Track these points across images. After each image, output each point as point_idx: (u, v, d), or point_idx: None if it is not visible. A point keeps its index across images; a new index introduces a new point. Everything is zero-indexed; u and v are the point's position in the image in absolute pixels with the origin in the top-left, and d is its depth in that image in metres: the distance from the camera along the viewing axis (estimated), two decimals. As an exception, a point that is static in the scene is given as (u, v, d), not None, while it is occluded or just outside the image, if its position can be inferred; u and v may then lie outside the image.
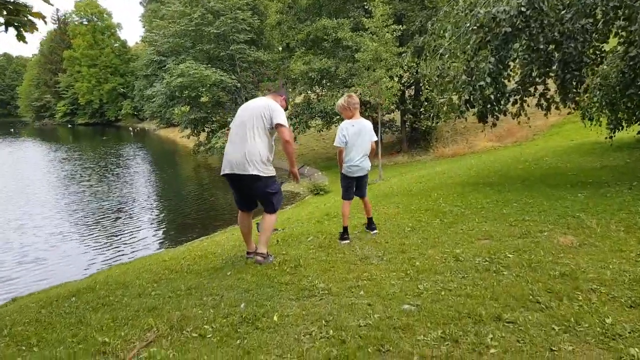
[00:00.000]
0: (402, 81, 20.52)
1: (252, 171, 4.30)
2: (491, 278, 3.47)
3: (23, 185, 21.83)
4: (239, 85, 24.99)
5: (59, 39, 68.77)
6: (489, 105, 7.13)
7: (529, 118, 8.33)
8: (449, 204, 6.37)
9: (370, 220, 5.36)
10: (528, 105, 8.14)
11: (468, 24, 7.27)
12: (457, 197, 6.84)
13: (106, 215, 15.82)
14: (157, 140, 45.05)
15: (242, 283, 3.91)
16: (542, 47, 6.52)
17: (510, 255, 3.96)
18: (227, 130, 4.67)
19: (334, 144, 5.17)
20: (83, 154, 34.39)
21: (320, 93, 21.39)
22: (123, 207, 16.97)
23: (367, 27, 16.84)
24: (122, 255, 11.78)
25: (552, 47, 6.89)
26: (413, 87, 22.07)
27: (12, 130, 61.17)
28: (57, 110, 67.88)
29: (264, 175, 4.37)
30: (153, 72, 30.99)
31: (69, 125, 66.08)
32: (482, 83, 6.60)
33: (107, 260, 11.46)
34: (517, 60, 7.56)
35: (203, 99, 24.29)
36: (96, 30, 62.09)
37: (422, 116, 21.35)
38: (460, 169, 11.32)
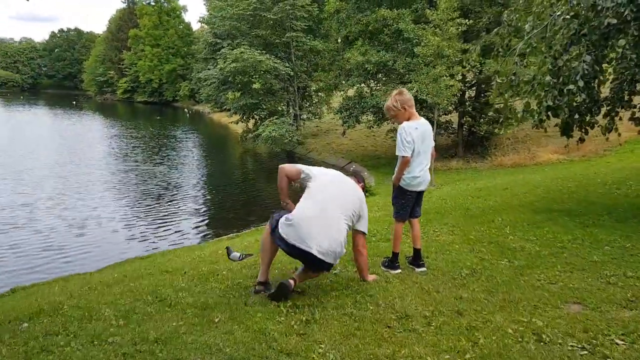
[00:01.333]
0: (464, 80, 18.92)
1: (329, 260, 3.54)
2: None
3: (67, 160, 21.91)
4: (292, 73, 24.07)
5: (126, 18, 70.66)
6: (576, 115, 5.71)
7: (620, 134, 6.80)
8: (518, 237, 5.06)
9: (417, 252, 4.17)
10: (620, 119, 6.62)
11: (559, 13, 5.86)
12: (528, 227, 5.50)
13: (147, 199, 15.39)
14: (209, 123, 45.10)
15: (227, 343, 2.85)
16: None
17: (619, 342, 2.70)
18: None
19: (398, 153, 4.02)
20: (136, 132, 34.66)
21: (374, 87, 20.08)
22: (165, 192, 16.50)
23: (430, 19, 15.39)
24: (155, 242, 11.16)
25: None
26: (474, 87, 20.36)
27: (75, 102, 63.38)
28: (119, 87, 69.73)
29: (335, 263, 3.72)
30: (210, 56, 30.61)
31: (129, 102, 67.88)
32: (572, 87, 5.19)
33: (141, 246, 10.92)
34: (614, 62, 6.06)
35: (255, 86, 23.59)
36: (162, 11, 63.10)
37: (482, 120, 19.70)
38: (524, 186, 9.81)
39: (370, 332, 2.95)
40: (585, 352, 2.62)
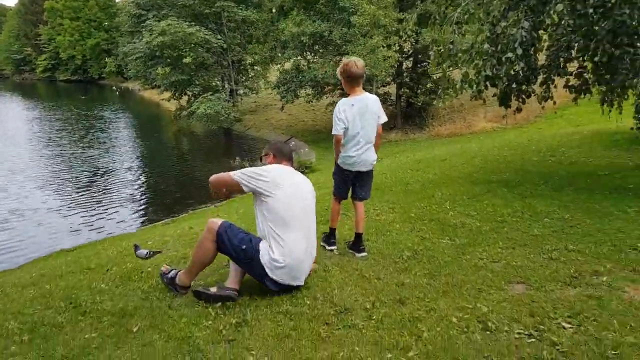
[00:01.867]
0: (402, 51, 18.86)
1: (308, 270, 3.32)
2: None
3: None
4: (225, 46, 23.03)
5: (40, -12, 65.08)
6: (514, 85, 5.62)
7: (555, 103, 6.85)
8: (458, 212, 4.95)
9: (359, 237, 3.90)
10: (555, 87, 6.65)
11: (495, -22, 5.70)
12: (468, 200, 5.41)
13: (75, 186, 14.32)
14: (140, 101, 42.86)
15: (145, 357, 2.48)
16: (590, 11, 4.97)
17: (565, 326, 2.57)
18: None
19: (332, 132, 3.82)
20: (60, 113, 32.31)
21: (311, 60, 19.62)
22: (94, 178, 15.42)
23: (365, -13, 15.09)
24: (85, 233, 10.36)
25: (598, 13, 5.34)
26: (412, 58, 20.39)
27: (-10, 84, 58.44)
28: (38, 65, 64.59)
29: None
30: (135, 29, 28.73)
31: (51, 81, 63.27)
32: (510, 55, 5.07)
33: (69, 238, 10.06)
34: (550, 29, 6.01)
35: (186, 60, 22.39)
36: (80, -20, 58.58)
37: (419, 91, 19.83)
38: (462, 156, 9.88)
39: (307, 331, 2.67)
40: (533, 339, 2.47)
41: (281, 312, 2.91)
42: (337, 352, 2.44)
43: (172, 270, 3.38)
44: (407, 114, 21.13)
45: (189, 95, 24.87)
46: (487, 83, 5.56)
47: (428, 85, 19.17)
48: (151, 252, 4.12)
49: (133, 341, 2.68)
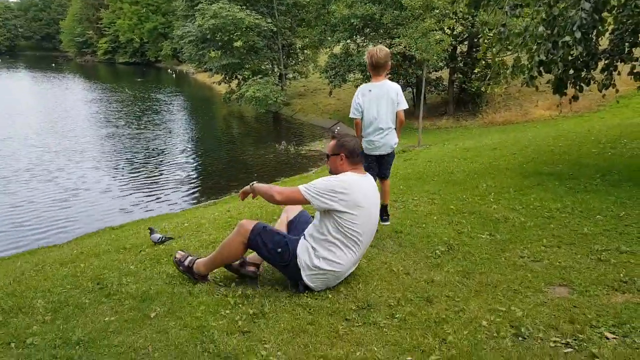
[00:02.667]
0: (455, 33, 18.14)
1: None
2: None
3: (47, 127, 21.07)
4: (275, 30, 23.00)
5: (102, -27, 67.50)
6: (571, 71, 5.18)
7: (617, 91, 6.30)
8: (502, 206, 4.64)
9: (384, 207, 4.10)
10: (619, 74, 6.09)
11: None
12: (515, 194, 5.07)
13: (128, 166, 14.83)
14: (194, 84, 43.85)
15: (158, 345, 2.44)
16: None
17: (609, 336, 2.32)
18: None
19: (350, 116, 4.07)
20: (118, 95, 33.55)
21: (361, 44, 19.23)
22: (147, 159, 15.87)
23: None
24: (134, 211, 10.70)
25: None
26: (466, 42, 19.58)
27: (54, 65, 61.36)
28: (99, 47, 67.32)
29: None
30: (189, 12, 29.18)
31: (110, 63, 65.84)
32: (568, 39, 4.63)
33: (120, 215, 10.46)
34: (615, 10, 5.49)
35: (236, 44, 22.58)
36: (139, -35, 60.25)
37: (474, 76, 19.03)
38: (514, 145, 9.37)
39: (325, 327, 2.55)
40: (570, 349, 2.24)
41: (300, 305, 2.80)
42: (354, 351, 2.31)
43: (187, 257, 3.31)
44: (459, 100, 20.40)
45: (239, 79, 25.09)
46: (541, 69, 5.15)
47: (477, 70, 18.37)
48: (164, 237, 4.32)
49: (149, 327, 2.66)
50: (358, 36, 19.27)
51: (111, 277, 3.61)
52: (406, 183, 6.27)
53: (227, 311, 2.77)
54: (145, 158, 15.66)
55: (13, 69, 56.16)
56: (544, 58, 5.00)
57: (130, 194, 11.96)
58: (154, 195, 11.83)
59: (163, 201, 11.36)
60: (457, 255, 3.46)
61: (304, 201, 2.88)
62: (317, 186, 2.85)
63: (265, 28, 22.12)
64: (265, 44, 23.64)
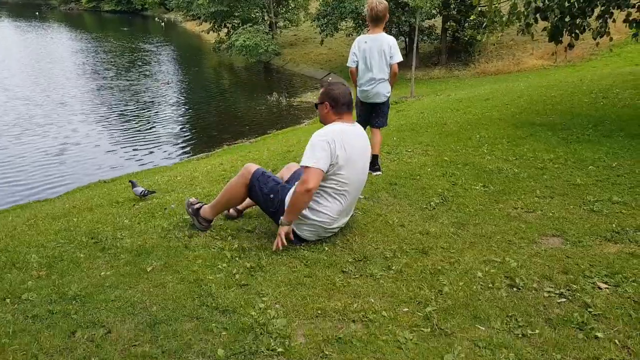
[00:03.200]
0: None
1: None
2: (579, 347, 1.92)
3: (35, 78, 20.42)
4: (263, -25, 22.11)
5: None
6: (567, 18, 5.05)
7: (611, 39, 6.19)
8: (496, 157, 4.64)
9: (374, 158, 4.20)
10: (614, 21, 5.96)
11: None
12: (508, 144, 5.06)
13: (118, 119, 14.49)
14: (182, 33, 42.42)
15: (156, 299, 2.45)
16: None
17: (601, 286, 2.37)
18: None
19: (347, 64, 4.39)
20: (104, 45, 32.40)
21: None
22: (136, 111, 15.47)
23: None
24: (125, 165, 10.57)
25: None
26: (461, -12, 19.01)
27: (38, 13, 58.88)
28: (84, -5, 64.70)
29: None
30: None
31: (95, 11, 63.28)
32: (566, -16, 4.50)
33: (111, 169, 10.31)
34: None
35: (225, -10, 21.75)
36: None
37: (467, 24, 18.60)
38: (507, 95, 9.29)
39: (322, 279, 2.57)
40: (564, 299, 2.29)
41: (297, 258, 2.82)
42: (351, 303, 2.34)
43: (198, 202, 3.36)
44: (452, 49, 20.05)
45: (228, 27, 24.32)
46: (537, 15, 5.01)
47: (473, 17, 17.95)
48: (146, 191, 4.39)
49: (146, 281, 2.66)
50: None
51: (105, 231, 3.58)
52: (400, 134, 6.23)
53: (224, 265, 2.78)
54: (135, 111, 15.33)
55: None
56: (541, 4, 4.86)
57: (122, 147, 11.79)
58: (145, 148, 11.68)
59: (155, 154, 11.23)
60: (451, 207, 3.48)
61: (322, 172, 2.78)
62: (312, 150, 2.79)
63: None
64: (254, -10, 22.81)
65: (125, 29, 43.49)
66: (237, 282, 2.58)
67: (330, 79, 17.93)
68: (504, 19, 5.52)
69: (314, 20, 19.27)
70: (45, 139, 12.27)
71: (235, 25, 23.48)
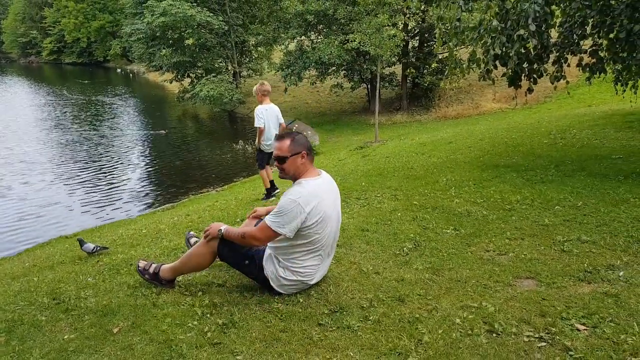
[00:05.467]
0: (407, 29, 18.39)
1: None
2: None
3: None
4: (226, 27, 22.58)
5: (45, -30, 64.21)
6: (525, 64, 5.31)
7: (567, 82, 6.54)
8: (464, 200, 4.71)
9: (273, 183, 6.50)
10: (569, 65, 6.31)
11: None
12: (475, 187, 5.16)
13: (80, 172, 13.99)
14: (145, 84, 42.45)
15: (121, 366, 2.30)
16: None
17: (580, 328, 2.36)
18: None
19: (255, 125, 6.12)
20: (65, 98, 31.96)
21: (315, 40, 19.17)
22: (100, 163, 15.01)
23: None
24: (86, 219, 10.13)
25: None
26: (417, 37, 19.91)
27: (-2, 67, 58.15)
28: (44, 48, 64.15)
29: None
30: (138, 10, 28.20)
31: (56, 64, 62.87)
32: (522, 32, 4.75)
33: (73, 223, 9.88)
34: (562, 3, 5.66)
35: (188, 42, 22.01)
36: (84, -38, 57.69)
37: (426, 71, 19.38)
38: (469, 138, 9.59)
39: (298, 333, 2.48)
40: (544, 343, 2.26)
41: (271, 312, 2.72)
42: (330, 357, 2.25)
43: (151, 264, 3.19)
44: (413, 95, 20.75)
45: (191, 77, 24.49)
46: (497, 62, 5.26)
47: (434, 65, 18.74)
48: (98, 247, 4.34)
49: (112, 344, 2.51)
50: (312, 32, 19.21)
51: (68, 290, 3.42)
52: (368, 179, 6.28)
53: (195, 322, 2.66)
54: (96, 164, 14.92)
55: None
56: (499, 52, 5.11)
57: (82, 201, 11.38)
58: (108, 201, 11.33)
59: (118, 207, 10.90)
60: (424, 252, 3.47)
61: (279, 235, 2.75)
62: (283, 214, 2.71)
63: (217, 26, 21.66)
64: (217, 41, 23.14)
65: (85, 81, 43.12)
66: (209, 341, 2.45)
67: (296, 125, 18.15)
68: (464, 65, 5.75)
69: (278, 70, 19.66)
70: (3, 196, 11.74)
71: (199, 75, 23.66)
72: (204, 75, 22.68)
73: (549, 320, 2.43)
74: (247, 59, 26.05)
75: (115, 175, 13.68)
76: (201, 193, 11.18)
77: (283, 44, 19.92)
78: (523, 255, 3.27)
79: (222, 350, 2.37)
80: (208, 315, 2.72)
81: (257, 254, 2.95)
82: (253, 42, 24.90)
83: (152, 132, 19.97)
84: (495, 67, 5.35)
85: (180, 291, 3.09)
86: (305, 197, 2.72)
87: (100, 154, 16.12)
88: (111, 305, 2.98)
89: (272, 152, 5.18)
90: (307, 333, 2.47)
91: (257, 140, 6.27)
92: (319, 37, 18.97)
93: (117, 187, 12.57)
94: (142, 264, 3.21)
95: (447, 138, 10.46)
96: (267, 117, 6.04)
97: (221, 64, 24.77)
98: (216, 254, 2.99)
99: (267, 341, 2.42)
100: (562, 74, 6.04)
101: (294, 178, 2.86)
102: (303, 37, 19.10)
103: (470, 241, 3.63)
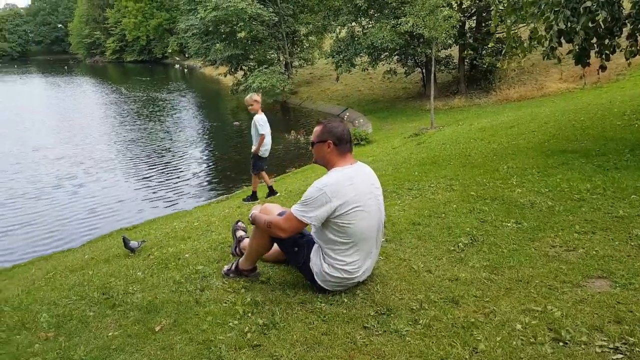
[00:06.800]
0: (463, 8, 17.58)
1: None
2: None
3: (59, 128, 20.90)
4: (277, 18, 22.58)
5: (104, -27, 67.26)
6: (594, 39, 4.81)
7: (643, 57, 5.90)
8: (527, 189, 4.34)
9: (271, 188, 7.10)
10: (644, 39, 5.68)
11: None
12: (539, 175, 4.76)
13: (142, 165, 14.47)
14: (202, 78, 43.56)
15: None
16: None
17: (664, 337, 2.04)
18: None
19: (260, 132, 6.64)
20: (128, 95, 33.29)
21: (366, 26, 18.76)
22: (159, 156, 15.50)
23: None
24: (146, 210, 10.50)
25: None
26: (475, 17, 18.99)
27: (66, 67, 61.53)
28: (107, 48, 67.39)
29: None
30: (192, 7, 28.85)
31: (119, 63, 65.80)
32: (589, 4, 4.28)
33: (135, 215, 10.25)
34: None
35: (240, 35, 22.22)
36: (141, -37, 59.82)
37: (485, 52, 18.47)
38: (533, 122, 8.99)
39: (342, 337, 2.32)
40: (620, 355, 1.98)
41: (314, 312, 2.57)
42: (373, 365, 2.08)
43: (232, 264, 3.18)
44: (471, 78, 19.87)
45: (244, 70, 24.77)
46: (561, 39, 4.79)
47: (491, 45, 17.80)
48: (140, 242, 4.56)
49: (153, 343, 2.47)
50: (363, 18, 18.80)
51: (118, 285, 3.47)
52: (421, 168, 5.99)
53: (236, 322, 2.56)
54: (156, 157, 15.39)
55: (27, 75, 56.09)
56: (564, 27, 4.65)
57: (146, 194, 11.75)
58: (168, 194, 11.63)
59: (176, 200, 11.19)
60: (482, 248, 3.20)
61: (304, 225, 2.67)
62: (309, 202, 2.59)
63: (267, 18, 21.70)
64: (269, 33, 23.23)
65: (146, 78, 44.75)
66: (249, 343, 2.35)
67: (347, 114, 17.92)
68: (524, 44, 5.31)
69: (329, 57, 19.43)
70: (75, 192, 12.28)
71: (251, 67, 23.88)
72: (256, 67, 22.87)
73: (626, 328, 2.13)
74: (299, 49, 26.00)
75: (172, 170, 14.04)
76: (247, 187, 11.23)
77: (333, 32, 19.65)
78: (594, 252, 2.93)
79: (262, 353, 2.26)
80: (249, 315, 2.62)
81: (308, 244, 2.84)
82: (304, 32, 24.81)
83: (234, 123, 20.34)
84: (560, 44, 4.87)
85: (223, 287, 3.03)
86: (331, 185, 2.58)
87: (160, 149, 16.59)
88: (155, 301, 2.96)
89: (267, 157, 6.91)
90: (350, 337, 2.31)
91: (256, 147, 6.61)
92: (370, 23, 18.54)
93: (178, 180, 12.87)
94: (225, 268, 3.23)
95: (509, 122, 9.88)
96: (267, 125, 6.60)
97: (273, 55, 24.91)
98: (270, 236, 2.90)
99: (308, 344, 2.28)
100: (638, 48, 5.44)
101: (326, 166, 2.76)
102: (354, 24, 18.74)
103: (534, 236, 3.31)
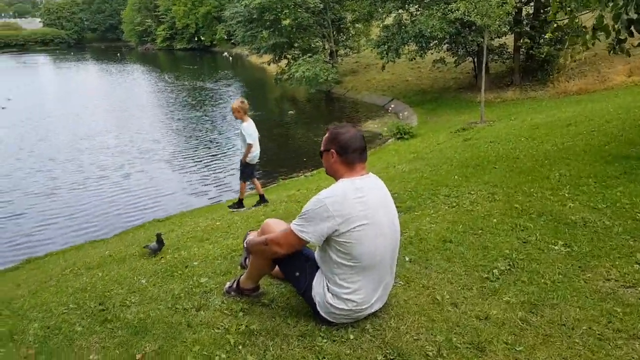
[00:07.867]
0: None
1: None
2: None
3: (122, 119, 21.19)
4: (322, 5, 22.08)
5: (156, -39, 68.41)
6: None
7: None
8: (580, 203, 3.76)
9: (262, 196, 6.76)
10: None
11: None
12: (595, 186, 4.15)
13: (186, 156, 14.45)
14: (248, 67, 43.62)
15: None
16: None
17: None
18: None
19: (248, 142, 6.33)
20: (177, 84, 33.65)
21: (414, 13, 17.95)
22: (203, 147, 15.41)
23: None
24: (186, 201, 10.42)
25: None
26: (532, 3, 17.77)
27: (119, 55, 63.46)
28: (158, 35, 68.65)
29: None
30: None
31: (169, 50, 67.06)
32: (666, -12, 3.63)
33: (174, 204, 10.19)
34: None
35: (284, 22, 21.89)
36: (190, -49, 60.43)
37: (542, 41, 17.25)
38: (593, 120, 8.16)
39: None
40: None
41: (313, 350, 2.21)
42: None
43: (234, 281, 2.89)
44: (526, 68, 18.65)
45: (288, 58, 24.47)
46: (632, 29, 4.13)
47: (548, 35, 16.57)
48: (159, 245, 4.52)
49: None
50: (411, 5, 18.01)
51: (117, 294, 3.30)
52: (463, 171, 5.47)
53: (223, 356, 2.25)
54: (203, 149, 15.26)
55: (82, 62, 58.25)
56: (635, 16, 3.99)
57: (187, 186, 11.68)
58: (206, 187, 11.51)
59: (211, 191, 11.07)
60: (521, 277, 2.72)
61: (302, 242, 2.33)
62: (307, 215, 2.28)
63: (312, 4, 21.24)
64: (314, 20, 22.73)
65: (195, 67, 45.31)
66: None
67: (392, 105, 17.29)
68: (587, 36, 4.66)
69: (375, 47, 18.77)
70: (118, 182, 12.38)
71: (296, 55, 23.54)
72: (300, 55, 22.50)
73: None
74: (344, 37, 25.40)
75: (221, 160, 13.88)
76: (290, 178, 10.97)
77: (380, 19, 18.96)
78: (661, 292, 2.41)
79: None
80: (239, 347, 2.30)
81: (311, 269, 2.48)
82: (350, 19, 24.18)
83: (290, 113, 20.20)
84: (631, 34, 4.20)
85: (221, 308, 2.73)
86: (334, 198, 2.24)
87: (203, 139, 16.49)
88: (147, 320, 2.72)
89: (256, 163, 6.67)
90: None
91: (245, 156, 6.41)
92: (419, 9, 17.73)
93: (222, 171, 12.72)
94: (227, 285, 2.94)
95: (566, 119, 9.06)
96: (254, 132, 6.34)
97: (318, 43, 24.44)
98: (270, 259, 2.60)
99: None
100: None
101: (334, 177, 2.42)
102: (401, 10, 17.98)
103: (585, 264, 2.79)
